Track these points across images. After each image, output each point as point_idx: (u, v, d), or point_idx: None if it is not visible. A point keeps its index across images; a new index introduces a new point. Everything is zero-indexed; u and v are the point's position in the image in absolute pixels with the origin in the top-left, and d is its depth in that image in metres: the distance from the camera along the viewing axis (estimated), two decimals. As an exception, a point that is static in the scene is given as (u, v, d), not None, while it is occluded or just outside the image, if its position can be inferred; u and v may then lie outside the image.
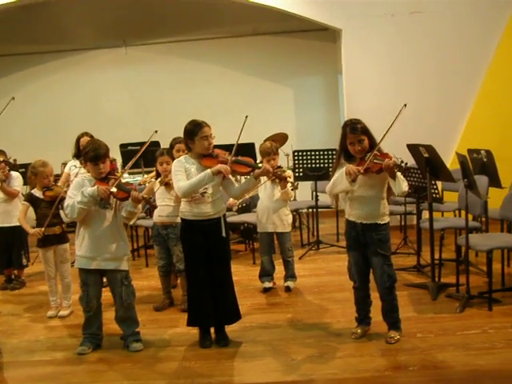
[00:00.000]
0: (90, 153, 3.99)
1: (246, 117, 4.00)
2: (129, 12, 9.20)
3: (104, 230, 4.02)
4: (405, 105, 3.80)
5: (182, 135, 4.82)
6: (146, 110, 9.46)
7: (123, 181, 4.15)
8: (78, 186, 4.05)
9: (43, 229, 4.83)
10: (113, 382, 3.63)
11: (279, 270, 5.47)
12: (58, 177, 5.43)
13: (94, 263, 4.05)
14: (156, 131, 4.37)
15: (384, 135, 3.84)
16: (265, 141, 6.46)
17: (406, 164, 3.79)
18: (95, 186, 3.91)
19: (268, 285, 5.34)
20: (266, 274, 5.39)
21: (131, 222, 4.45)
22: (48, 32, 9.39)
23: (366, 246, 3.96)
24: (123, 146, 7.48)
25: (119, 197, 3.98)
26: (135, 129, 9.12)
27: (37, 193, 5.05)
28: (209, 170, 3.87)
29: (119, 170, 6.86)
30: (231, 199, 5.18)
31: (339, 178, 3.87)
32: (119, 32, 9.40)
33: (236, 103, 9.11)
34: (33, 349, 4.28)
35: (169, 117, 9.02)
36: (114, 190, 3.94)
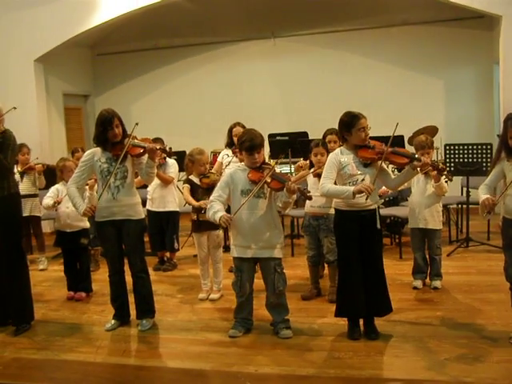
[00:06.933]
0: (246, 143, 4.08)
1: (397, 124, 3.95)
2: (277, 3, 9.29)
3: (258, 219, 4.09)
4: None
5: (329, 126, 4.83)
6: (293, 101, 9.52)
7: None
8: (226, 181, 4.17)
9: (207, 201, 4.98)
10: (263, 367, 3.71)
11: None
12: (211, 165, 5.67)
13: (249, 252, 4.14)
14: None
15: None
16: (414, 133, 6.30)
17: None
18: (220, 215, 3.97)
19: (419, 286, 5.17)
20: (420, 271, 5.24)
21: (286, 212, 4.50)
22: (196, 25, 9.75)
23: (524, 246, 3.74)
24: (271, 136, 7.59)
25: (273, 187, 4.04)
26: (282, 119, 9.25)
27: (194, 179, 5.27)
28: (351, 190, 3.83)
29: (266, 160, 6.98)
30: (384, 188, 5.04)
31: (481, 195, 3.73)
32: (268, 23, 9.52)
33: (384, 95, 8.96)
34: (187, 328, 4.49)
35: (315, 108, 9.08)
36: (268, 180, 4.02)
